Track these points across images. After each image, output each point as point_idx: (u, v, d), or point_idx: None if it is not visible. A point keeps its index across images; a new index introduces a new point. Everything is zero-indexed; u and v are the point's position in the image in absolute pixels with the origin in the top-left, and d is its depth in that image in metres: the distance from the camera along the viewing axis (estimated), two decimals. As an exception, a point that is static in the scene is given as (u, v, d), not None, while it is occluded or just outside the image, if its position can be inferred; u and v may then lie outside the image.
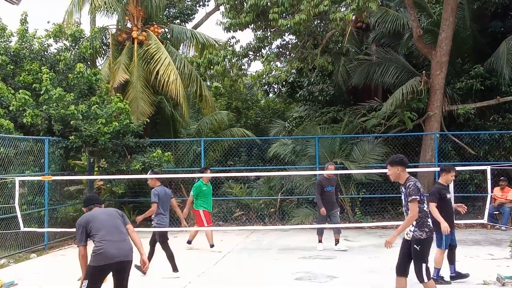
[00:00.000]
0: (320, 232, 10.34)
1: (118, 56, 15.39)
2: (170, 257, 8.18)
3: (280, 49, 15.21)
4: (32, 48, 12.88)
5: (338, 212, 10.51)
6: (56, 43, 13.56)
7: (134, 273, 7.98)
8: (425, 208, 5.74)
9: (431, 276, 7.20)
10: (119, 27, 16.27)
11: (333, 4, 11.82)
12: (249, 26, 12.97)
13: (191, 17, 20.62)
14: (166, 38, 17.09)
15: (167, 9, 19.63)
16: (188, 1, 20.87)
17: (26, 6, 23.52)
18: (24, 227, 8.42)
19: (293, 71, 16.70)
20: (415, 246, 5.67)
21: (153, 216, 8.31)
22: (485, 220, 8.39)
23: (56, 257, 10.21)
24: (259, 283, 7.80)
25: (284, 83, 17.94)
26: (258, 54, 13.72)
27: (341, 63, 16.12)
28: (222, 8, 14.03)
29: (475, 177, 13.71)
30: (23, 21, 13.12)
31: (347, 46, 15.68)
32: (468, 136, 14.03)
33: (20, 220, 8.24)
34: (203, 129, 17.38)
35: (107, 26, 16.61)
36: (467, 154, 13.97)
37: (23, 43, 12.72)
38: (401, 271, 5.82)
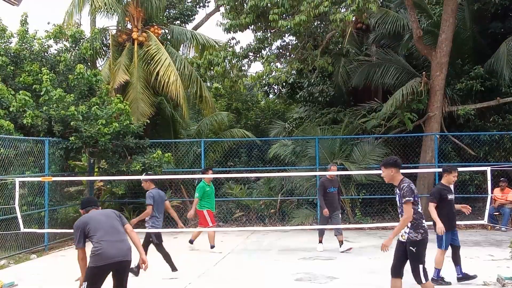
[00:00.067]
0: (321, 232, 10.37)
1: (118, 57, 15.40)
2: (167, 257, 8.23)
3: (280, 50, 15.21)
4: (32, 49, 12.88)
5: (340, 215, 10.52)
6: (56, 44, 13.57)
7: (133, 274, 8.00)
8: (419, 210, 5.72)
9: (432, 276, 7.25)
10: (119, 28, 16.29)
11: (333, 5, 11.82)
12: (249, 27, 12.97)
13: (191, 18, 20.61)
14: (166, 39, 17.10)
15: (167, 10, 19.64)
16: (188, 2, 20.87)
17: (26, 7, 23.54)
18: (24, 228, 8.41)
19: (293, 72, 16.68)
20: (410, 248, 5.65)
21: (147, 218, 8.35)
22: (485, 221, 8.38)
23: (56, 258, 10.21)
24: (259, 284, 7.80)
25: (284, 84, 17.95)
26: (258, 55, 13.72)
27: (341, 64, 16.13)
28: (222, 9, 14.03)
29: (475, 178, 13.72)
30: (23, 22, 13.12)
31: (347, 47, 15.69)
32: (468, 137, 14.04)
33: (20, 221, 8.23)
34: (203, 130, 17.38)
35: (107, 27, 16.64)
36: (467, 155, 13.97)
37: (23, 44, 12.72)
38: (396, 272, 5.81)
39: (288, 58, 15.31)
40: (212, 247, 10.35)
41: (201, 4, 21.52)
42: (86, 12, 16.14)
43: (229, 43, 13.76)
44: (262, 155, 17.15)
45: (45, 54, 13.19)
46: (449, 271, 7.50)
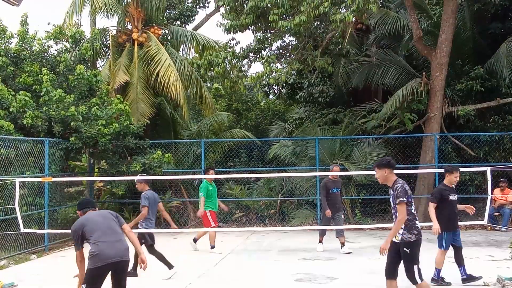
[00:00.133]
0: (322, 232, 10.38)
1: (118, 58, 15.40)
2: (160, 257, 8.23)
3: (280, 51, 15.21)
4: (33, 49, 12.88)
5: (343, 216, 10.51)
6: (57, 45, 13.58)
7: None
8: (412, 210, 5.69)
9: (432, 276, 7.25)
10: (119, 28, 16.30)
11: (333, 5, 11.83)
12: (249, 27, 12.97)
13: (191, 19, 20.61)
14: (166, 39, 17.10)
15: (167, 11, 19.64)
16: (188, 3, 20.88)
17: (26, 7, 23.54)
18: (24, 228, 8.42)
19: (293, 72, 16.69)
20: (405, 249, 5.62)
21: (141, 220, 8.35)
22: (485, 222, 8.38)
23: (56, 258, 10.21)
24: (259, 284, 7.80)
25: (284, 84, 17.96)
26: (258, 56, 13.73)
27: (341, 64, 16.14)
28: (222, 9, 14.03)
29: (475, 179, 13.72)
30: (23, 22, 13.13)
31: (347, 47, 15.69)
32: (468, 138, 14.04)
33: (20, 221, 8.24)
34: (203, 130, 17.38)
35: (108, 27, 16.64)
36: (467, 156, 13.97)
37: (24, 45, 12.72)
38: (390, 273, 5.78)
39: (288, 58, 15.31)
40: (212, 247, 10.35)
41: (201, 5, 21.53)
42: (86, 12, 16.16)
43: (229, 44, 13.76)
44: (262, 155, 17.15)
45: (45, 54, 13.19)
46: (449, 271, 7.50)
